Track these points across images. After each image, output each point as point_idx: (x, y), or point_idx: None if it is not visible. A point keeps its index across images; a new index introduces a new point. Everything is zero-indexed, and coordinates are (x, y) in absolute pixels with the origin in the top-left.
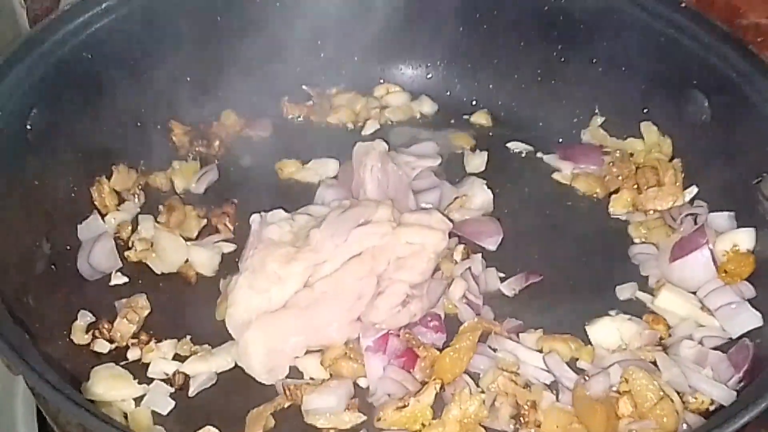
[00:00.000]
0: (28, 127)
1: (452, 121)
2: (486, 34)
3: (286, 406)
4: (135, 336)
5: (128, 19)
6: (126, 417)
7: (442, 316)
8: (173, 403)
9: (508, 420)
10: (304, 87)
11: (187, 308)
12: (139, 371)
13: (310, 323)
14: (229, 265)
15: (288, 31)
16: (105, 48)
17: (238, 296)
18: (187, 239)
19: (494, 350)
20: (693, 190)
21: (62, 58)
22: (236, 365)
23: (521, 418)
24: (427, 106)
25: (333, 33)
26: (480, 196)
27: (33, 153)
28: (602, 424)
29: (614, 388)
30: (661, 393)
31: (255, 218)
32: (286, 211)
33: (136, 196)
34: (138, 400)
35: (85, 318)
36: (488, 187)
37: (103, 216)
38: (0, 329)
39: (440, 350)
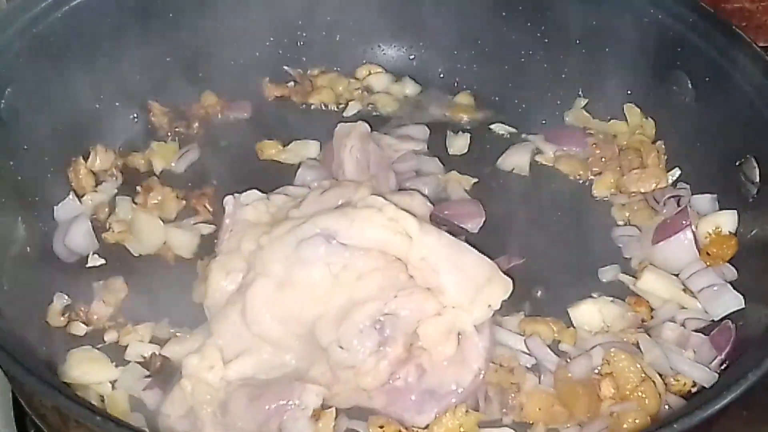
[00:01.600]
0: (2, 105)
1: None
2: (469, 14)
3: None
4: (112, 318)
5: None
6: (103, 400)
7: None
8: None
9: (500, 408)
10: (285, 68)
11: (165, 290)
12: (117, 354)
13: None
14: (208, 246)
15: (269, 11)
16: (82, 26)
17: (212, 280)
18: (165, 221)
19: None
20: (676, 172)
21: (37, 35)
22: None
23: (508, 402)
24: (410, 88)
25: (315, 13)
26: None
27: (6, 132)
28: (584, 406)
29: (596, 370)
30: (643, 375)
31: (228, 200)
32: (261, 191)
33: (114, 177)
34: (115, 383)
35: (61, 300)
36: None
37: (80, 197)
38: None
39: None
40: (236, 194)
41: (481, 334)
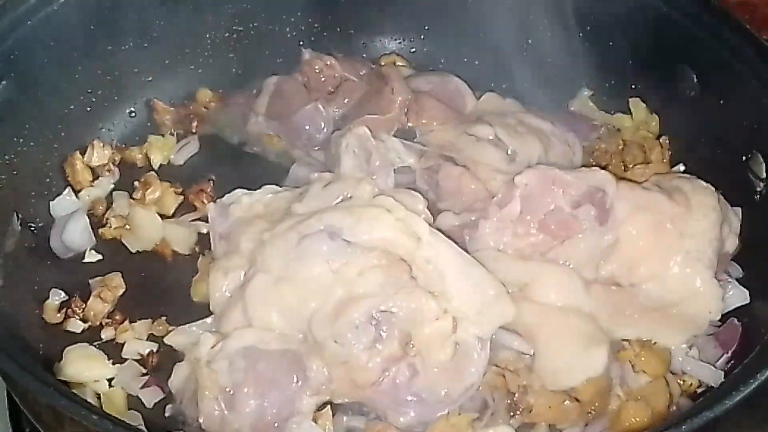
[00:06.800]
0: None
1: None
2: (470, 6)
3: None
4: (109, 315)
5: None
6: (100, 398)
7: None
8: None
9: (507, 413)
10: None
11: (163, 287)
12: (114, 351)
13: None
14: (206, 242)
15: (268, 5)
16: (77, 20)
17: (212, 283)
18: (163, 216)
19: None
20: (680, 168)
21: (33, 27)
22: None
23: (515, 405)
24: None
25: (314, 6)
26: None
27: (2, 127)
28: (593, 395)
29: None
30: None
31: (210, 207)
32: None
33: (111, 172)
34: (112, 381)
35: (57, 296)
36: None
37: (76, 192)
38: None
39: None
40: (217, 200)
41: (480, 349)
